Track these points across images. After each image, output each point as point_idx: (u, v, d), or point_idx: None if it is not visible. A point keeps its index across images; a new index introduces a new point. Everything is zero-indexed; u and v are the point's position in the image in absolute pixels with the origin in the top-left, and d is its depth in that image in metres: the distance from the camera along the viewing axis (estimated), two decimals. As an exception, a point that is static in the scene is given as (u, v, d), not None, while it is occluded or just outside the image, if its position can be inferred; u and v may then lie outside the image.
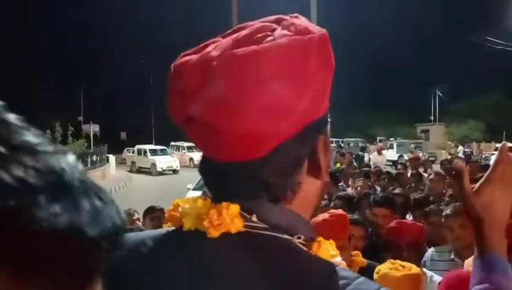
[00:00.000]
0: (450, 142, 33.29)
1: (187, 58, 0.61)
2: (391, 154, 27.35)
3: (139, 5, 60.53)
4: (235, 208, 0.58)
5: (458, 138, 38.87)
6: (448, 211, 2.96)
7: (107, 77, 56.04)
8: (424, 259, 2.97)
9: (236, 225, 0.57)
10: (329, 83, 0.62)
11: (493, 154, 23.06)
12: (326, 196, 4.22)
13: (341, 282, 0.55)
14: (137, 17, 59.55)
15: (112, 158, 25.54)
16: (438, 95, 48.68)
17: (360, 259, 2.35)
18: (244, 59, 0.56)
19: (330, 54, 0.62)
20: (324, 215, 2.36)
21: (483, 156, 24.50)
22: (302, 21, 0.62)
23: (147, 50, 59.10)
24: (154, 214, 3.74)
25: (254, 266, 0.55)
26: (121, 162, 28.76)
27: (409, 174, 6.81)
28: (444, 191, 5.11)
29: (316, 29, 0.61)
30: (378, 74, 61.96)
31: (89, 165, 20.23)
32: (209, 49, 0.59)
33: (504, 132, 36.61)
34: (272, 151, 0.58)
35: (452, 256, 2.84)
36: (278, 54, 0.56)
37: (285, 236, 0.58)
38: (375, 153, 14.80)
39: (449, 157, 19.82)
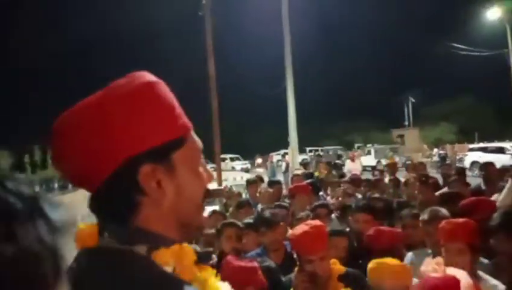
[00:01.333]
0: (425, 145, 34.02)
1: None
2: (369, 160, 27.77)
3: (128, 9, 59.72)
4: (94, 228, 0.78)
5: (432, 141, 39.75)
6: (425, 216, 3.01)
7: (89, 94, 54.94)
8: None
9: (92, 242, 0.76)
10: (157, 114, 0.75)
11: (466, 155, 23.71)
12: (308, 207, 4.33)
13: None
14: (121, 25, 58.79)
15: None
16: (411, 100, 49.82)
17: (338, 267, 2.39)
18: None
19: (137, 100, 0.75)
20: (303, 227, 2.44)
21: (458, 157, 25.13)
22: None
23: (119, 74, 58.41)
24: None
25: (96, 271, 0.72)
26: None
27: (386, 180, 6.99)
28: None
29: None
30: (354, 83, 63.05)
31: (69, 187, 19.83)
32: None
33: (476, 133, 37.70)
34: (99, 188, 0.75)
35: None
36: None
37: (126, 247, 0.72)
38: (349, 160, 15.08)
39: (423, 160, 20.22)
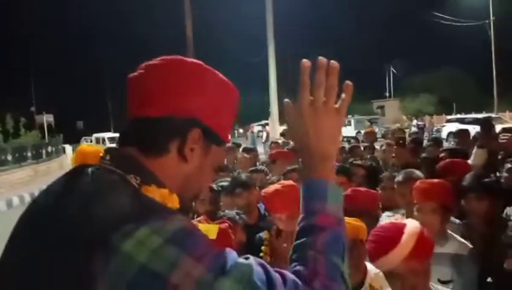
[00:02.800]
0: (404, 116, 34.49)
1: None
2: (349, 130, 28.05)
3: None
4: (99, 151, 0.85)
5: (412, 112, 40.30)
6: (399, 177, 3.05)
7: (59, 65, 53.63)
8: (379, 223, 3.12)
9: (94, 161, 0.83)
10: (229, 115, 0.91)
11: (444, 126, 24.16)
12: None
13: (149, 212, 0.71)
14: (89, 4, 56.90)
15: (68, 148, 24.71)
16: (392, 72, 50.09)
17: None
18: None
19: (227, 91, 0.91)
20: (276, 186, 2.44)
21: (435, 128, 25.60)
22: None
23: (99, 35, 56.87)
24: None
25: (87, 185, 0.77)
26: (78, 152, 27.85)
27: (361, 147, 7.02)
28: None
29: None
30: (336, 54, 62.75)
31: (44, 156, 19.46)
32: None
33: (454, 105, 38.33)
34: (152, 118, 0.82)
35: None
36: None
37: (119, 172, 0.78)
38: None
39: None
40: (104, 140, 26.46)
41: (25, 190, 13.50)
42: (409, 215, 2.88)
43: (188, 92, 0.83)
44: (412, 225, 1.72)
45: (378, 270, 2.02)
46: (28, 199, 12.45)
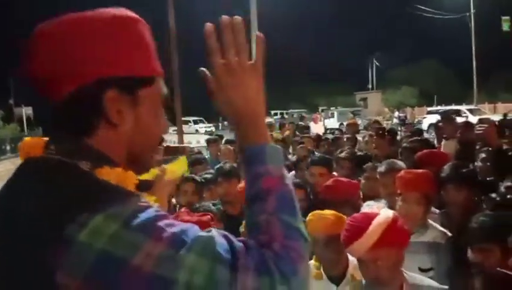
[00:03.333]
0: (386, 109, 34.86)
1: None
2: (332, 122, 28.26)
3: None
4: (42, 142, 0.80)
5: (394, 104, 40.77)
6: (382, 168, 3.06)
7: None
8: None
9: (36, 153, 0.78)
10: (138, 49, 0.79)
11: (425, 117, 24.53)
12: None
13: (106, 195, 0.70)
14: None
15: (48, 141, 24.29)
16: (375, 64, 50.48)
17: None
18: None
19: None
20: None
21: (416, 120, 26.00)
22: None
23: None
24: None
25: (36, 178, 0.74)
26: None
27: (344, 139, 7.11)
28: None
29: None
30: (320, 47, 63.05)
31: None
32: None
33: (435, 96, 38.91)
34: (61, 102, 0.76)
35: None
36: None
37: (68, 160, 0.74)
38: (312, 122, 15.27)
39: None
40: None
41: (4, 184, 13.25)
42: (390, 205, 2.91)
43: (78, 54, 0.75)
44: (382, 216, 1.75)
45: None
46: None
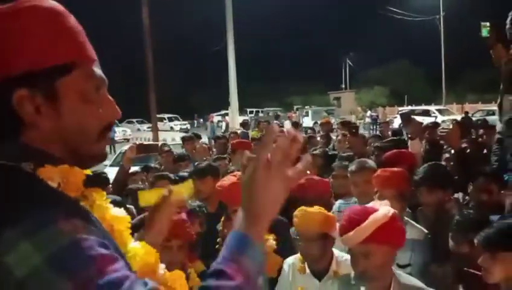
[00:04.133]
0: (359, 108, 35.43)
1: None
2: (307, 121, 28.50)
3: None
4: None
5: (367, 104, 41.46)
6: (353, 167, 3.13)
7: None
8: (332, 211, 3.18)
9: None
10: (49, 37, 0.75)
11: (395, 117, 25.02)
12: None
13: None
14: None
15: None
16: (349, 64, 51.22)
17: None
18: None
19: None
20: (231, 179, 2.47)
21: (388, 119, 26.47)
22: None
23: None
24: None
25: None
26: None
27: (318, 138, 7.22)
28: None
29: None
30: (295, 47, 63.45)
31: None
32: None
33: (406, 96, 39.81)
34: None
35: (358, 207, 3.10)
36: None
37: (9, 163, 0.72)
38: (287, 121, 15.41)
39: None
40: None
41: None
42: (361, 203, 3.03)
43: None
44: (381, 212, 1.76)
45: (346, 258, 2.10)
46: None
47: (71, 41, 0.78)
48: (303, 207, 2.28)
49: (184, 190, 1.19)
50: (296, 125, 12.28)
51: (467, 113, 19.98)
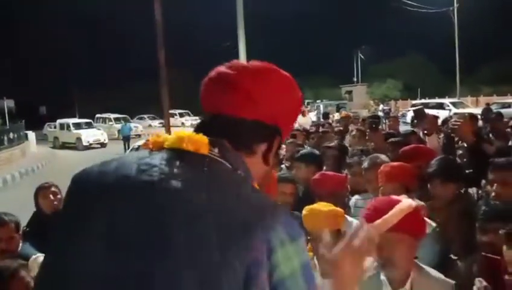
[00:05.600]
0: (371, 101, 35.15)
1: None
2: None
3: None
4: (205, 139, 0.89)
5: (379, 97, 41.10)
6: (365, 164, 3.12)
7: (19, 48, 51.31)
8: (349, 206, 3.15)
9: (203, 149, 0.88)
10: (296, 116, 1.05)
11: (409, 110, 24.77)
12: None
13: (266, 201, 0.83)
14: None
15: (31, 134, 23.83)
16: (360, 57, 50.73)
17: None
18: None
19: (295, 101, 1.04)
20: None
21: (400, 113, 26.23)
22: None
23: (61, 18, 54.63)
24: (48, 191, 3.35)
25: (203, 174, 0.83)
26: (42, 138, 26.93)
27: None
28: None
29: None
30: (304, 40, 63.07)
31: (5, 143, 18.73)
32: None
33: (419, 90, 39.35)
34: (252, 119, 0.92)
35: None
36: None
37: (229, 165, 0.88)
38: (300, 115, 15.33)
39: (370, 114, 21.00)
40: (68, 126, 25.69)
41: (-13, 178, 12.98)
42: (376, 199, 3.01)
43: (278, 101, 0.95)
44: (405, 203, 1.79)
45: None
46: (-10, 187, 11.98)
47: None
48: (310, 206, 2.27)
49: None
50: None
51: (488, 104, 19.67)
